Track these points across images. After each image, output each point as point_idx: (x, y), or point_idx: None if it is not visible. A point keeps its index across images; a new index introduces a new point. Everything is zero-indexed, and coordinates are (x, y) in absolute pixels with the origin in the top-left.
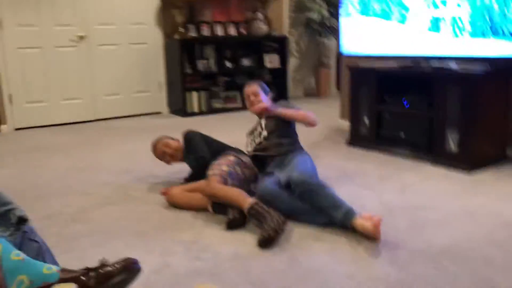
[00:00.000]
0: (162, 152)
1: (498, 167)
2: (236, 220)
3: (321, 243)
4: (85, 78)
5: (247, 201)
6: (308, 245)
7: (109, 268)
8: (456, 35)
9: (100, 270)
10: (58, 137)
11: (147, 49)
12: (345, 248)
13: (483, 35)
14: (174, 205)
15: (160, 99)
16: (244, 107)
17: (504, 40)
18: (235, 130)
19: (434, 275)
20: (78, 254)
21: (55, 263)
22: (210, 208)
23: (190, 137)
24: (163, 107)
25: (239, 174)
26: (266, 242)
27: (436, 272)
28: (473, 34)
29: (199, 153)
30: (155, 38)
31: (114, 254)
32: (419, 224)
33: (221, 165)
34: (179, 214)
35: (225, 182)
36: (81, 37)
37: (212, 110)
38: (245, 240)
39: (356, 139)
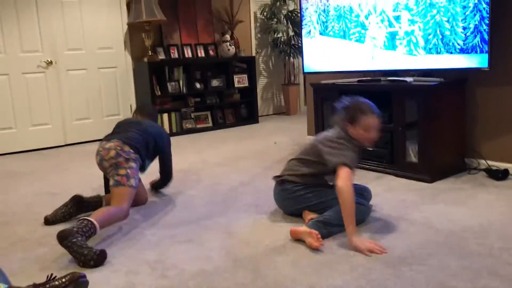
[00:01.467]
0: None
1: (457, 177)
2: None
3: (284, 256)
4: (54, 103)
5: None
6: (271, 259)
7: (55, 283)
8: (412, 53)
9: (46, 285)
10: (27, 163)
11: (116, 73)
12: (307, 259)
13: (437, 50)
14: None
15: None
16: (214, 127)
17: (455, 54)
18: (206, 149)
19: (392, 281)
20: (44, 279)
21: (7, 282)
22: None
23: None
24: None
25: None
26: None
27: (394, 278)
28: (427, 50)
29: None
30: (124, 61)
31: None
32: (380, 233)
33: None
34: (144, 234)
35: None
36: (49, 63)
37: (183, 131)
38: (210, 258)
39: None
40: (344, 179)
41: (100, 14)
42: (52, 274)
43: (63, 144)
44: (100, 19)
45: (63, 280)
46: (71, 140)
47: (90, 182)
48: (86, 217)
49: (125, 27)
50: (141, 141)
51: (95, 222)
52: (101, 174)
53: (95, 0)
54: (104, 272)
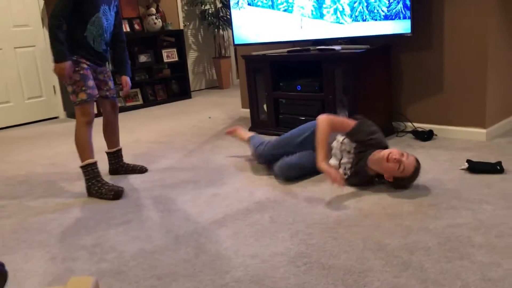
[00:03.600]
0: None
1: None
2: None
3: (224, 229)
4: None
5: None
6: (212, 233)
7: None
8: (339, 21)
9: None
10: None
11: (35, 52)
12: (248, 230)
13: (363, 18)
14: None
15: (55, 103)
16: (145, 105)
17: (380, 21)
18: (138, 128)
19: (331, 244)
20: None
21: None
22: None
23: None
24: (60, 111)
25: None
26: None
27: (333, 240)
28: (354, 18)
29: None
30: (43, 39)
31: (13, 267)
32: (315, 199)
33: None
34: (80, 220)
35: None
36: None
37: None
38: (150, 237)
39: (258, 125)
40: (326, 117)
41: None
42: None
43: None
44: None
45: None
46: None
47: (17, 168)
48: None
49: (41, 2)
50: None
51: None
52: (27, 159)
53: None
54: (40, 260)
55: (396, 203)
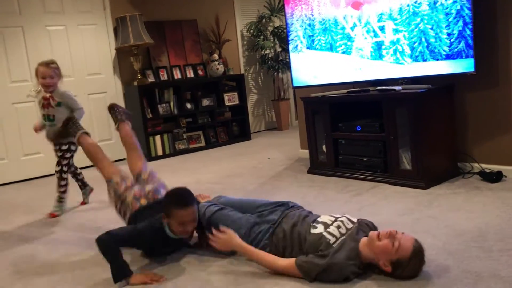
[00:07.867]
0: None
1: (452, 182)
2: None
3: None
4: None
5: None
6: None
7: None
8: (399, 61)
9: None
10: (21, 193)
11: (106, 98)
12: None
13: (423, 58)
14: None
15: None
16: (207, 146)
17: (442, 61)
18: (200, 169)
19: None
20: None
21: None
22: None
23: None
24: None
25: None
26: None
27: (393, 283)
28: (414, 58)
29: None
30: (113, 86)
31: None
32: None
33: None
34: (151, 263)
35: None
36: (39, 92)
37: (176, 152)
38: (210, 282)
39: (316, 166)
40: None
41: (88, 40)
42: None
43: None
44: (88, 45)
45: None
46: None
47: (85, 209)
48: None
49: (113, 52)
50: None
51: None
52: (92, 200)
53: (82, 27)
54: None
55: (464, 247)
